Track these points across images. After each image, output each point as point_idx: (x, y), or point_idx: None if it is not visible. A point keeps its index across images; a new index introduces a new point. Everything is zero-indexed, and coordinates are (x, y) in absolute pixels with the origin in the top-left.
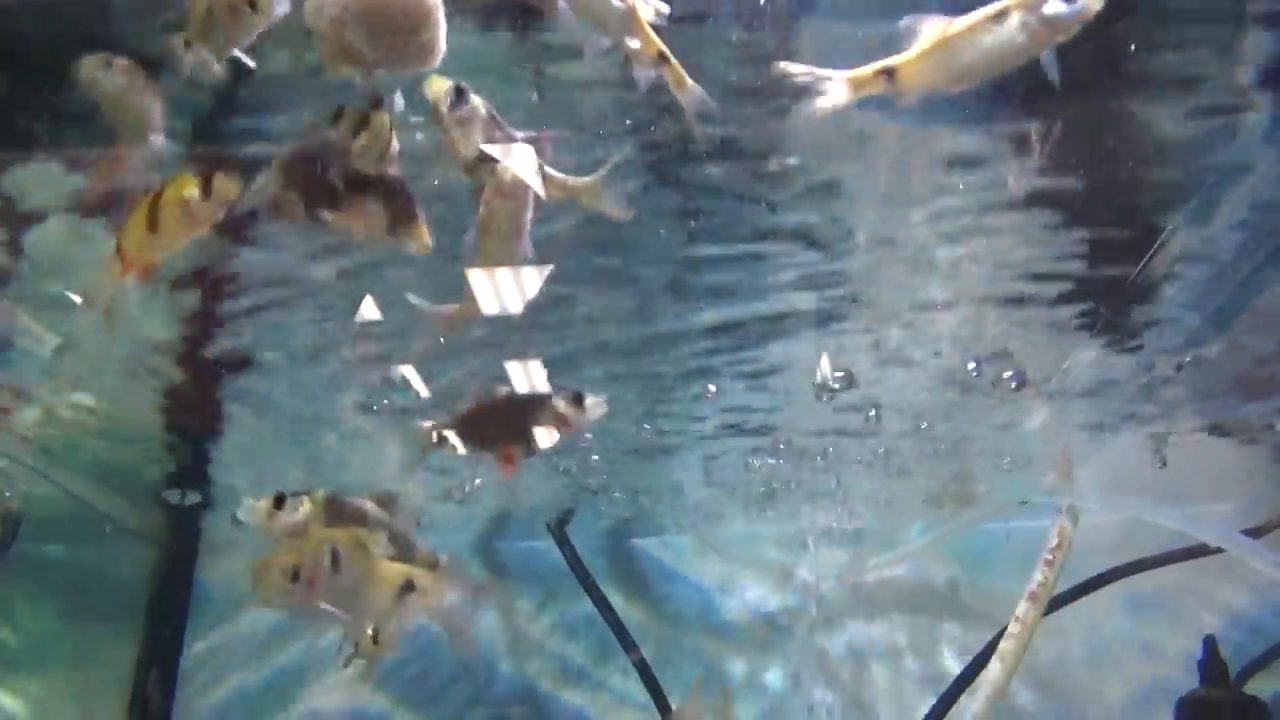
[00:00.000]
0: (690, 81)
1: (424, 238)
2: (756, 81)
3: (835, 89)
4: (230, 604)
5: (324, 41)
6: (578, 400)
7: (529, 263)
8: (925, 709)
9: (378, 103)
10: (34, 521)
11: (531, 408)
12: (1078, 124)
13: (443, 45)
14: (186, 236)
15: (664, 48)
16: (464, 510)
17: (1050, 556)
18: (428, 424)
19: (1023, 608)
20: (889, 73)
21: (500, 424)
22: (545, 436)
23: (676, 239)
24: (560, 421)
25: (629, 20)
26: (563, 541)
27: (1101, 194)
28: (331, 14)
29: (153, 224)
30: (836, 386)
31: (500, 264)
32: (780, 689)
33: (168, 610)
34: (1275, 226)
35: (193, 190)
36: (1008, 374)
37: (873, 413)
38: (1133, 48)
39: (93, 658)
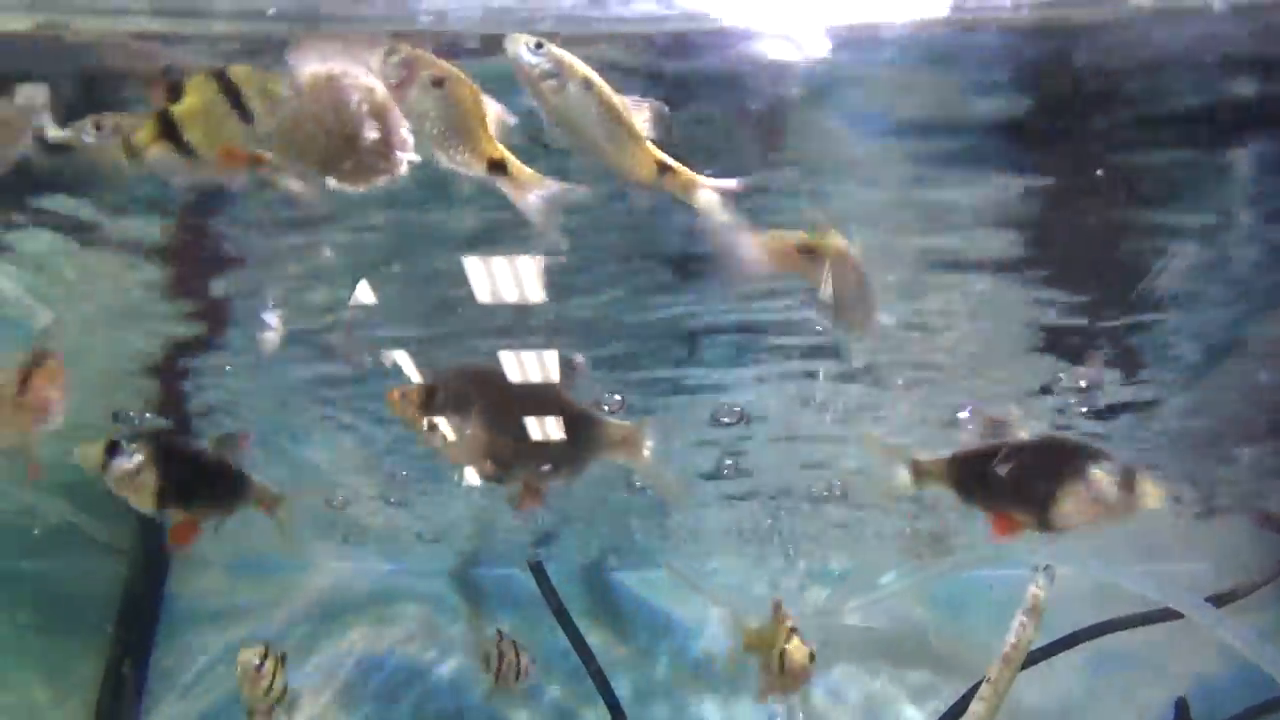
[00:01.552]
0: (536, 181)
1: None
2: None
3: None
4: (200, 620)
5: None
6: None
7: None
8: None
9: None
10: (2, 534)
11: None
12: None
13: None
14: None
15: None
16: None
17: (1024, 618)
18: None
19: (995, 669)
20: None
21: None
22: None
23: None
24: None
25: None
26: (539, 575)
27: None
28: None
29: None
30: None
31: None
32: None
33: (136, 625)
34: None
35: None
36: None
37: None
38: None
39: (60, 671)
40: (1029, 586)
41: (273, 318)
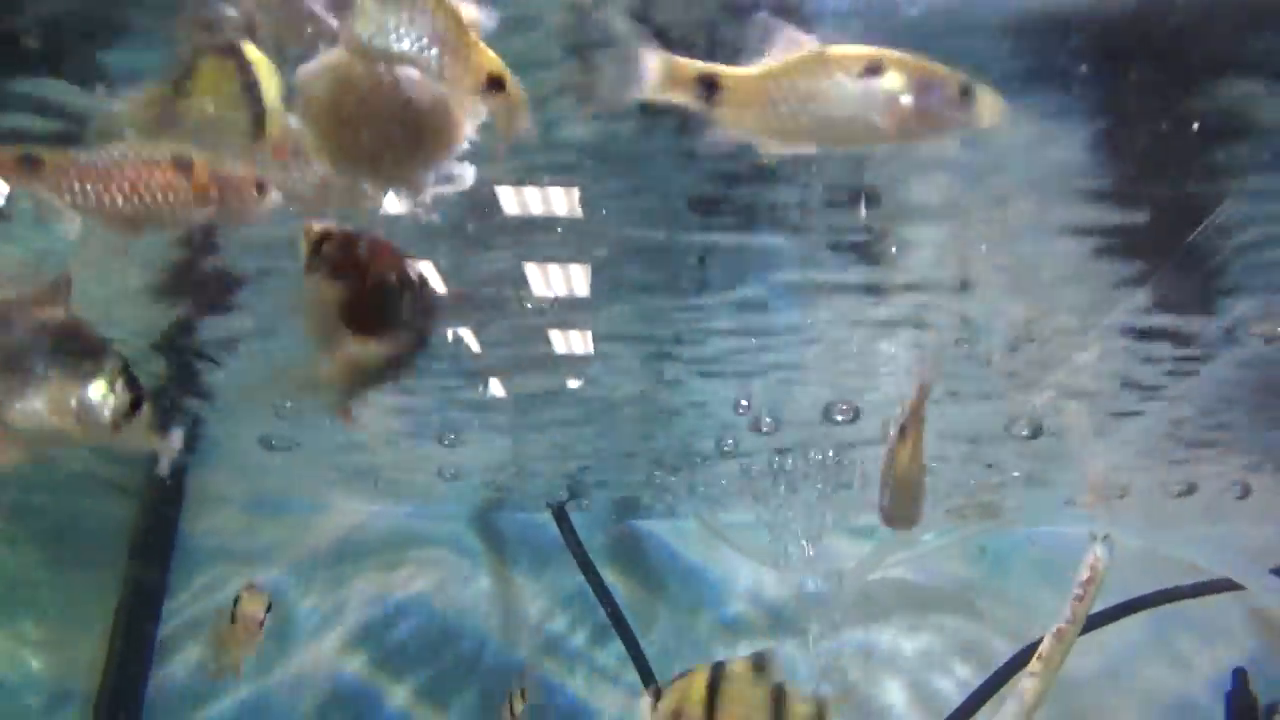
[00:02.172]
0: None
1: None
2: None
3: (648, 71)
4: (216, 558)
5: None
6: None
7: None
8: (928, 714)
9: None
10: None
11: None
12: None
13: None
14: None
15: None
16: (459, 483)
17: (1081, 592)
18: None
19: (1048, 644)
20: (710, 84)
21: None
22: None
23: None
24: None
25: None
26: (562, 520)
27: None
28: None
29: None
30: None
31: None
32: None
33: (148, 564)
34: None
35: None
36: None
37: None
38: None
39: (73, 609)
40: (1087, 556)
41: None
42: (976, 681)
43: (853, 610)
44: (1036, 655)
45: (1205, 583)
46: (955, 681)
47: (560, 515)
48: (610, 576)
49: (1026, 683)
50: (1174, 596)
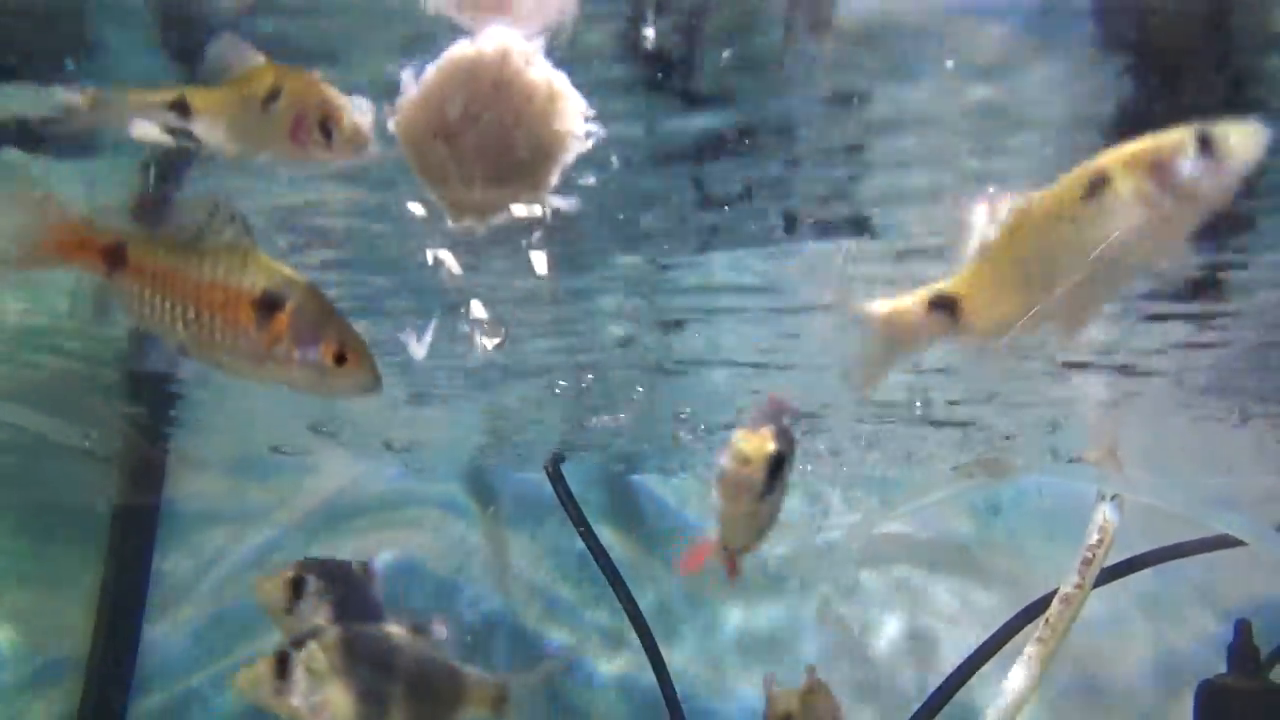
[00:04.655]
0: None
1: None
2: None
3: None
4: (202, 524)
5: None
6: None
7: None
8: (932, 672)
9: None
10: None
11: None
12: None
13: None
14: None
15: None
16: (450, 437)
17: (1089, 555)
18: None
19: (1055, 610)
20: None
21: None
22: None
23: None
24: None
25: None
26: (557, 480)
27: None
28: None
29: None
30: None
31: None
32: (778, 642)
33: (132, 532)
34: None
35: None
36: None
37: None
38: None
39: (57, 580)
40: (1095, 517)
41: None
42: (974, 634)
43: (854, 564)
44: (1044, 619)
45: (1210, 538)
46: (955, 634)
47: (556, 475)
48: (606, 532)
49: (1034, 649)
50: (1186, 551)
